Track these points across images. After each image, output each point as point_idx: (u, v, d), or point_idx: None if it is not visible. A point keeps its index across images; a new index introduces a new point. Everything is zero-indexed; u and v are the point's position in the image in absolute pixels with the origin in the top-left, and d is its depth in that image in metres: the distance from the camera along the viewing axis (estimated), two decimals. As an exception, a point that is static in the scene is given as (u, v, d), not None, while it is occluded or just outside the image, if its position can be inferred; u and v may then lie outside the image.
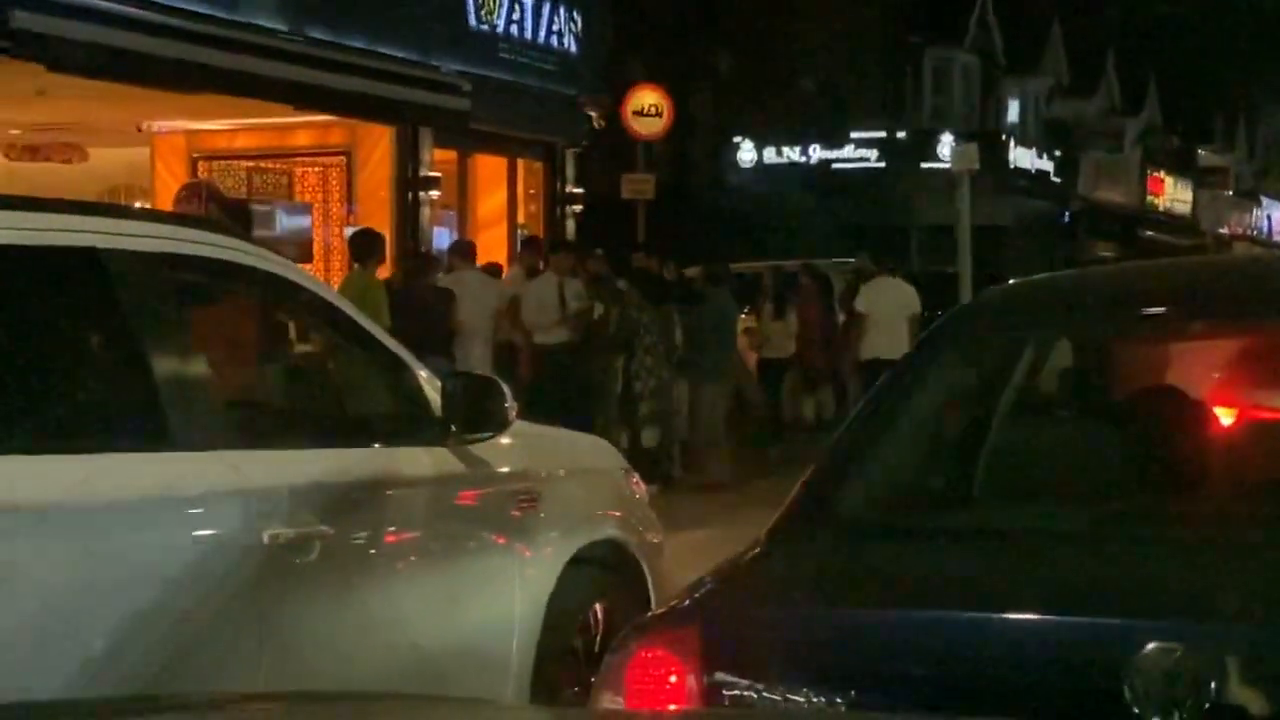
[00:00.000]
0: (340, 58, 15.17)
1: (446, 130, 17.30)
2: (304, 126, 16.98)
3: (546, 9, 18.97)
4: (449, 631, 4.86)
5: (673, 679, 3.06)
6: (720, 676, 3.03)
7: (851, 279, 17.88)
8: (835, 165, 34.32)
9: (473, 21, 17.66)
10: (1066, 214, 39.54)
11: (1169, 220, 44.96)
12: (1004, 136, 36.40)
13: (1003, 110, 38.44)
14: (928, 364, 4.11)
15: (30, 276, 4.02)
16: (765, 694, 3.00)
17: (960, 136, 29.14)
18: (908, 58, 35.49)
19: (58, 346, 4.15)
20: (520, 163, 19.79)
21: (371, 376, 5.18)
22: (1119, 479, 3.70)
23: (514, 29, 18.35)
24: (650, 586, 5.74)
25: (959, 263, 17.43)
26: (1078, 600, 3.11)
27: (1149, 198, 44.44)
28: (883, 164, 33.96)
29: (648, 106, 21.29)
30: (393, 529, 4.79)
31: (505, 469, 5.24)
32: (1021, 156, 36.76)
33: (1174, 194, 45.97)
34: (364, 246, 12.34)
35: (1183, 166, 46.58)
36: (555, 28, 19.17)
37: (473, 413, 4.93)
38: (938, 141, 31.83)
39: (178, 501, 4.03)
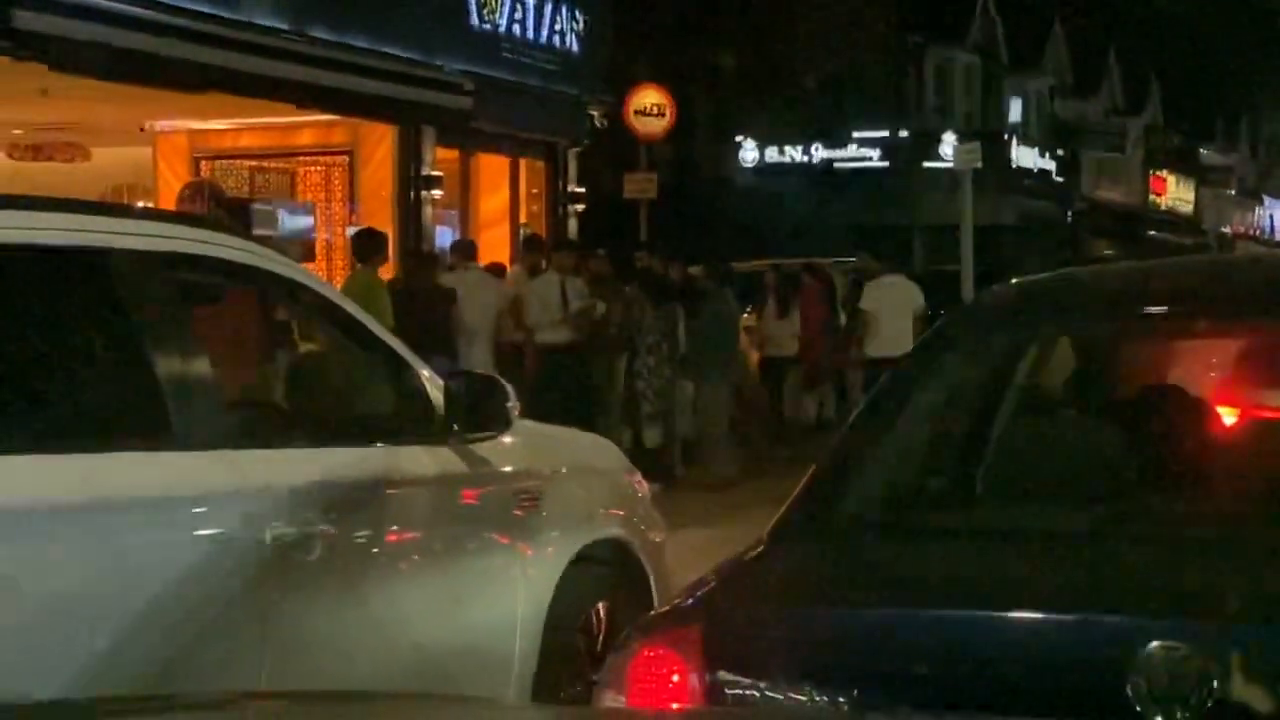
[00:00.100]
0: (343, 57, 15.17)
1: (449, 130, 17.31)
2: (306, 126, 16.99)
3: (549, 8, 18.97)
4: (451, 631, 4.86)
5: (675, 678, 3.06)
6: (723, 675, 3.03)
7: (853, 278, 17.89)
8: (837, 164, 34.33)
9: (475, 21, 17.66)
10: (1069, 213, 39.54)
11: (1171, 219, 44.96)
12: (1006, 136, 36.40)
13: (1005, 109, 38.44)
14: (930, 363, 4.11)
15: (33, 276, 4.03)
16: (768, 693, 3.00)
17: (962, 136, 29.12)
18: (910, 57, 35.48)
19: (60, 346, 4.15)
20: (522, 162, 19.79)
21: (374, 376, 5.17)
22: (1122, 478, 3.70)
23: (516, 28, 18.35)
24: (653, 586, 5.74)
25: (961, 262, 17.44)
26: (1081, 599, 3.11)
27: (1151, 197, 44.45)
28: (885, 163, 33.97)
29: (650, 106, 21.29)
30: (395, 528, 4.80)
31: (508, 468, 5.24)
32: (1024, 156, 36.77)
33: (1176, 193, 45.97)
34: (366, 246, 12.34)
35: (1185, 165, 46.57)
36: (558, 27, 19.17)
37: (475, 412, 4.93)
38: (940, 141, 31.82)
39: (180, 500, 4.03)
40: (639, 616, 3.83)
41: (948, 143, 29.75)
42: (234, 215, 10.87)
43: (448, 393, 4.93)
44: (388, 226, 15.37)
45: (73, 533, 3.76)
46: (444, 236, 17.32)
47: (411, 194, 17.06)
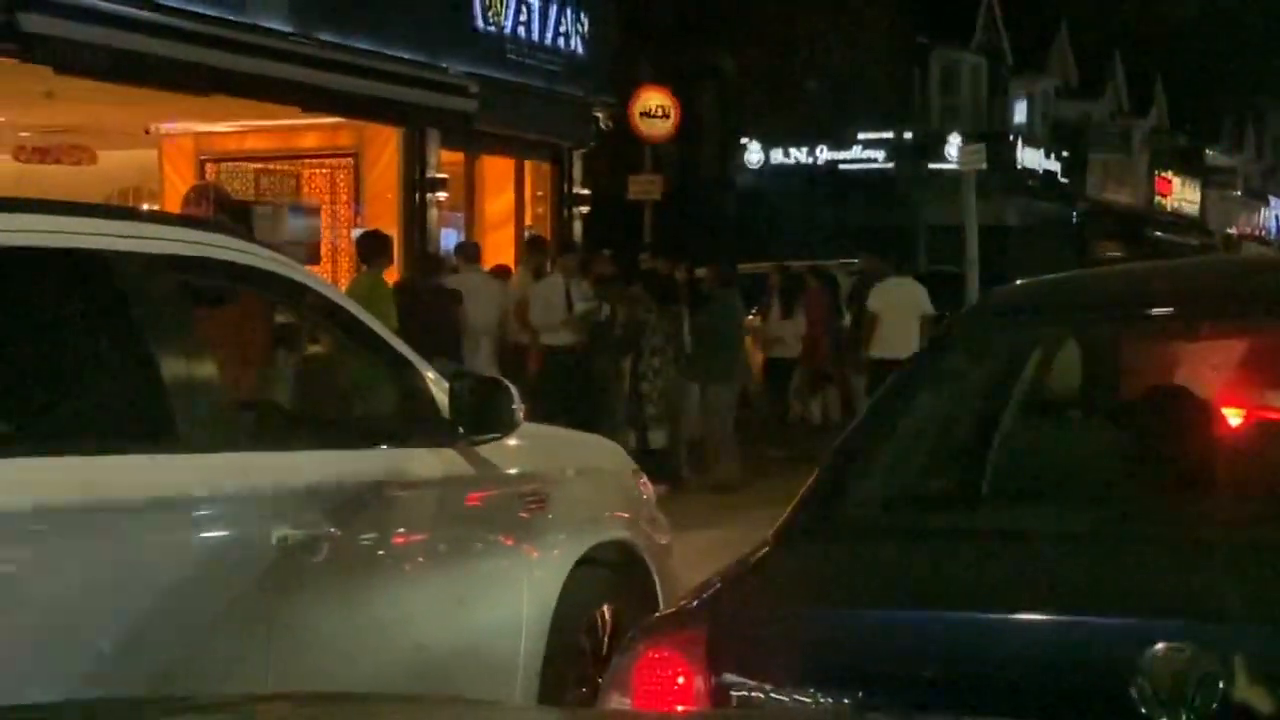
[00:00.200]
0: (348, 59, 15.18)
1: (454, 132, 17.31)
2: (311, 128, 17.00)
3: (553, 10, 18.98)
4: (457, 632, 4.86)
5: (680, 680, 3.06)
6: (728, 677, 3.03)
7: (856, 280, 17.89)
8: (842, 166, 34.34)
9: (480, 23, 17.66)
10: (1074, 214, 39.52)
11: (1177, 220, 44.93)
12: (1011, 137, 36.39)
13: (1010, 111, 38.43)
14: (936, 364, 4.11)
15: (39, 279, 4.03)
16: (773, 695, 3.01)
17: (967, 137, 29.10)
18: (915, 58, 35.48)
19: (67, 349, 4.16)
20: (527, 164, 19.79)
21: (379, 378, 5.17)
22: (1127, 479, 3.70)
23: (521, 30, 18.36)
24: (658, 587, 5.74)
25: (966, 263, 17.42)
26: (1086, 601, 3.11)
27: (1157, 198, 44.42)
28: (890, 165, 33.99)
29: (655, 108, 21.29)
30: (401, 530, 4.80)
31: (513, 470, 5.24)
32: (1029, 157, 36.76)
33: (1182, 194, 45.94)
34: (371, 248, 12.35)
35: (1190, 167, 46.54)
36: (562, 29, 19.17)
37: (480, 414, 4.93)
38: (945, 142, 31.80)
39: (186, 503, 4.03)
40: (644, 618, 3.83)
41: (952, 144, 29.74)
42: (238, 218, 10.87)
43: (453, 395, 4.93)
44: (392, 229, 15.37)
45: (78, 535, 3.77)
46: (449, 239, 17.33)
47: (416, 196, 17.07)
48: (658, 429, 13.94)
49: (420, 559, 4.83)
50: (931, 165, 31.78)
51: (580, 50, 19.54)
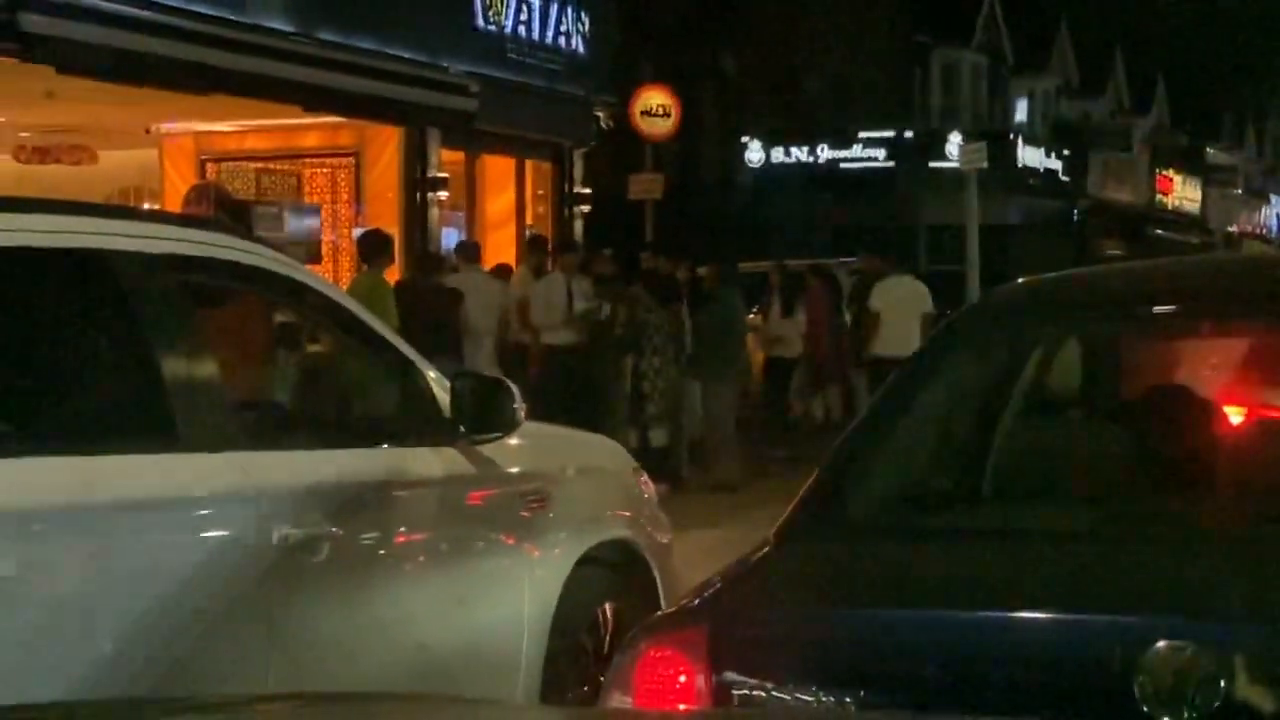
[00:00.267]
0: (348, 59, 15.18)
1: (454, 131, 17.31)
2: (312, 128, 17.00)
3: (554, 9, 18.97)
4: (458, 632, 4.86)
5: (682, 679, 3.06)
6: (729, 676, 3.03)
7: (856, 279, 17.90)
8: (843, 165, 34.32)
9: (480, 22, 17.66)
10: (1075, 213, 39.51)
11: (1178, 219, 44.91)
12: (1012, 136, 36.37)
13: (1011, 110, 38.42)
14: (937, 363, 4.11)
15: (41, 279, 4.03)
16: (774, 694, 3.01)
17: (968, 136, 29.09)
18: (916, 57, 35.47)
19: (68, 348, 4.16)
20: (528, 163, 19.79)
21: (380, 377, 5.18)
22: (1129, 478, 3.70)
23: (521, 30, 18.36)
24: (659, 586, 5.74)
25: (967, 262, 17.43)
26: (1088, 599, 3.11)
27: (1158, 196, 44.40)
28: (891, 163, 33.96)
29: (656, 107, 21.29)
30: (402, 530, 4.80)
31: (514, 469, 5.24)
32: (1030, 156, 36.73)
33: (1183, 192, 45.92)
34: (372, 247, 12.35)
35: (1191, 165, 46.52)
36: (563, 28, 19.17)
37: (482, 413, 4.93)
38: (946, 141, 31.80)
39: (187, 502, 4.04)
40: (646, 617, 3.83)
41: (953, 143, 29.72)
42: (239, 218, 10.87)
43: (454, 394, 4.93)
44: (393, 228, 15.37)
45: (79, 535, 3.77)
46: (450, 238, 17.32)
47: (417, 195, 17.07)
48: (659, 428, 13.95)
49: (421, 558, 4.83)
50: (932, 164, 31.75)
51: (581, 49, 19.53)
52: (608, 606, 5.52)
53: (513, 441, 5.10)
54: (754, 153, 34.65)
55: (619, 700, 3.13)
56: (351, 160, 17.47)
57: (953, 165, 25.04)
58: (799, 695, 2.99)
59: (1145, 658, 2.77)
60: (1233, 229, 48.65)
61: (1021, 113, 38.88)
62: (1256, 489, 3.66)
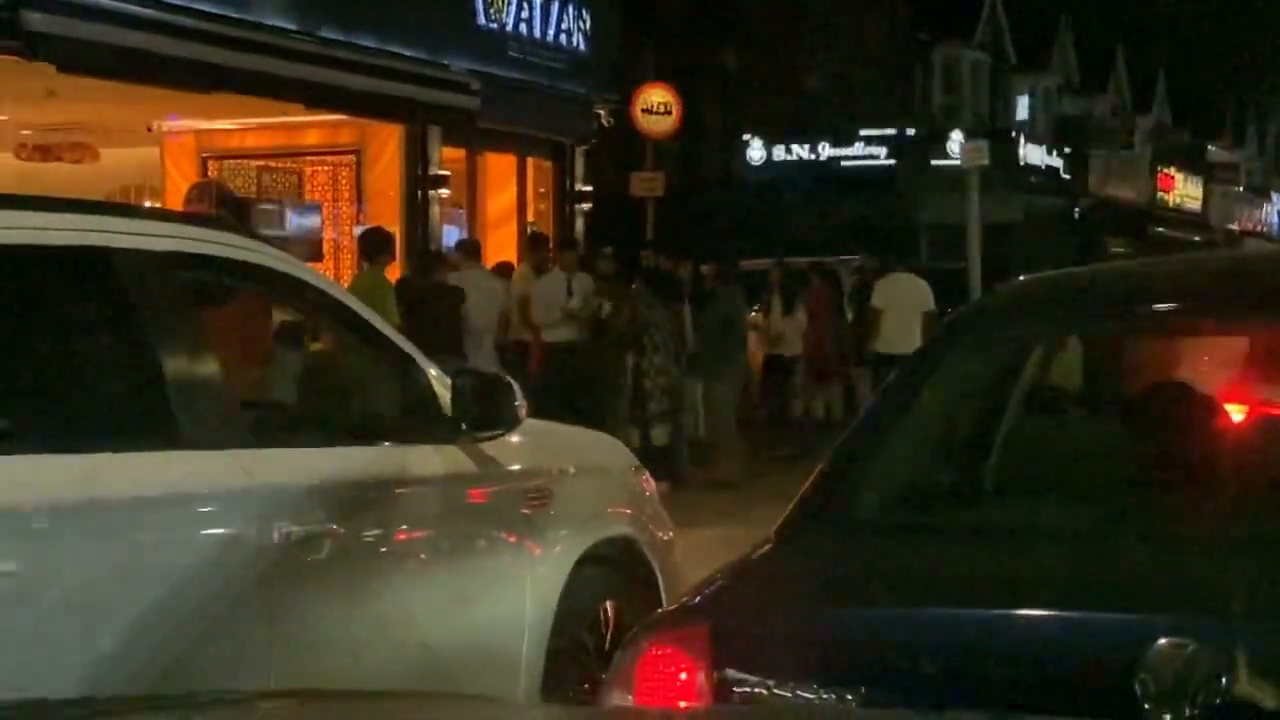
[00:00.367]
0: (350, 57, 15.18)
1: (456, 129, 17.30)
2: (313, 126, 16.99)
3: (555, 7, 18.97)
4: (460, 629, 4.86)
5: (683, 676, 3.07)
6: (730, 674, 3.03)
7: (857, 277, 17.90)
8: (844, 163, 34.29)
9: (482, 20, 17.66)
10: (1076, 210, 39.48)
11: (1179, 216, 44.88)
12: (1014, 133, 36.35)
13: (1012, 107, 38.40)
14: (938, 361, 4.11)
15: (42, 277, 4.04)
16: (775, 691, 3.01)
17: (970, 134, 29.08)
18: (917, 55, 35.45)
19: (70, 346, 4.16)
20: (529, 161, 19.78)
21: (381, 375, 5.18)
22: (1130, 475, 3.70)
23: (523, 27, 18.35)
24: (661, 584, 5.74)
25: (968, 260, 17.42)
26: (1089, 597, 3.11)
27: (1159, 194, 44.36)
28: (892, 161, 33.93)
29: (657, 104, 21.28)
30: (403, 527, 4.80)
31: (515, 467, 5.24)
32: (1031, 153, 36.70)
33: (1184, 190, 45.88)
34: (373, 245, 12.36)
35: (1193, 163, 46.49)
36: (564, 26, 19.16)
37: (483, 410, 4.93)
38: (947, 139, 31.77)
39: (189, 500, 4.04)
40: (647, 615, 3.83)
41: (955, 141, 29.71)
42: (240, 215, 10.88)
43: (455, 391, 4.93)
44: (395, 226, 15.38)
45: (81, 532, 3.77)
46: (451, 236, 17.32)
47: (419, 193, 17.06)
48: (660, 426, 13.95)
49: (423, 556, 4.84)
50: (934, 162, 31.73)
51: (582, 47, 19.53)
52: (609, 604, 5.52)
53: (514, 439, 5.10)
54: (755, 151, 34.64)
55: (620, 697, 3.13)
56: (352, 158, 17.47)
57: (954, 163, 25.01)
58: (800, 693, 3.00)
59: (1146, 655, 2.77)
60: (1234, 227, 48.62)
61: (1023, 110, 38.86)
62: (1258, 486, 3.66)
